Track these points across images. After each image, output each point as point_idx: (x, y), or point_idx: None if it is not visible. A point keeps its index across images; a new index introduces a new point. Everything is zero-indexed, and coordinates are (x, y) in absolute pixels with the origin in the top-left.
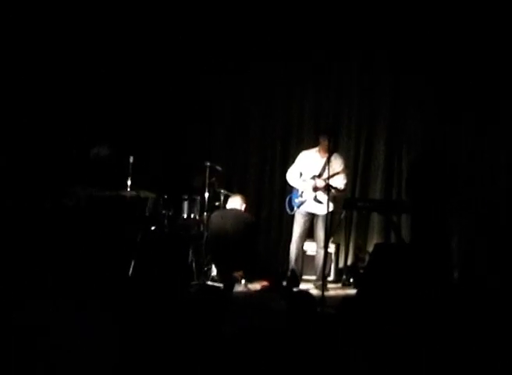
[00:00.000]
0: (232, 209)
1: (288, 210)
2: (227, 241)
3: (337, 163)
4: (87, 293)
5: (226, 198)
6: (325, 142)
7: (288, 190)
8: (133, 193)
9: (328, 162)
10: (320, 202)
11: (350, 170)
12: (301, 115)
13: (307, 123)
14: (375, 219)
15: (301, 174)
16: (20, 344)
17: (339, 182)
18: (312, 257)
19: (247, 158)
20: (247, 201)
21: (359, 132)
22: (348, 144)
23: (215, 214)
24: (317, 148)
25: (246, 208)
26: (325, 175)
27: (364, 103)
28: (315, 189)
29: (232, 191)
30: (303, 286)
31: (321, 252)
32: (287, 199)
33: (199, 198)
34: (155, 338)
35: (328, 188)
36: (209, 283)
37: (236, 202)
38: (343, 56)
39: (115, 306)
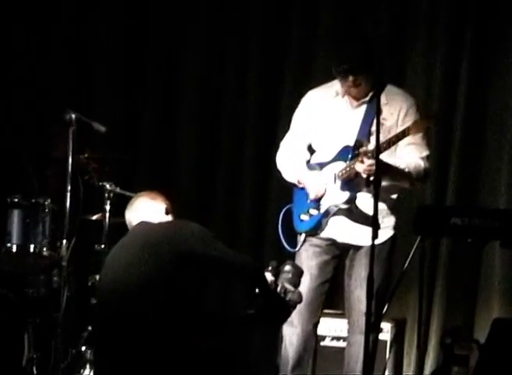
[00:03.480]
0: (136, 229)
1: (285, 244)
2: (130, 312)
3: (394, 109)
4: None
5: (123, 203)
6: (350, 85)
7: (280, 190)
8: None
9: (377, 109)
10: (366, 219)
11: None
12: (309, 30)
13: (319, 45)
14: (496, 258)
15: (311, 149)
16: None
17: (413, 156)
18: (338, 353)
19: (170, 116)
20: (169, 199)
21: (453, 71)
22: (427, 99)
23: (110, 255)
24: (337, 91)
25: (172, 212)
26: (373, 144)
27: None
28: (349, 180)
29: (133, 187)
30: None
31: (360, 341)
32: (281, 216)
33: (49, 202)
34: None
35: (380, 176)
36: None
37: (143, 208)
38: None
39: None
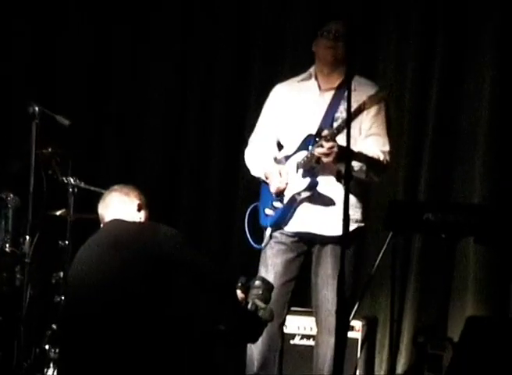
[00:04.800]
0: (108, 227)
1: (251, 241)
2: (97, 311)
3: (360, 97)
4: None
5: (88, 198)
6: (330, 44)
7: (248, 189)
8: None
9: (348, 95)
10: (328, 205)
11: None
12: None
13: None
14: (470, 255)
15: (280, 146)
16: None
17: (374, 148)
18: (308, 351)
19: (136, 111)
20: (141, 196)
21: (426, 63)
22: (399, 91)
23: (80, 251)
24: (310, 71)
25: (146, 208)
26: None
27: None
28: (311, 168)
29: (100, 183)
30: None
31: (330, 342)
32: (248, 213)
33: (11, 198)
34: None
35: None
36: None
37: (116, 204)
38: None
39: None
